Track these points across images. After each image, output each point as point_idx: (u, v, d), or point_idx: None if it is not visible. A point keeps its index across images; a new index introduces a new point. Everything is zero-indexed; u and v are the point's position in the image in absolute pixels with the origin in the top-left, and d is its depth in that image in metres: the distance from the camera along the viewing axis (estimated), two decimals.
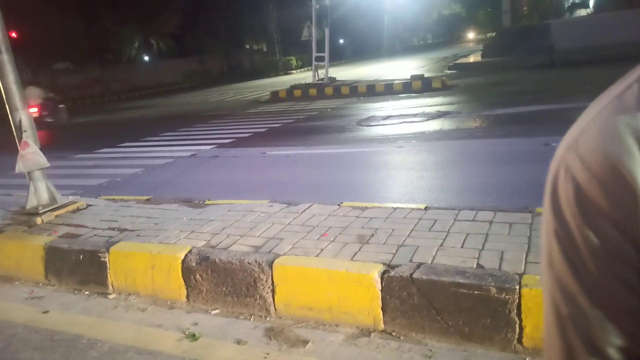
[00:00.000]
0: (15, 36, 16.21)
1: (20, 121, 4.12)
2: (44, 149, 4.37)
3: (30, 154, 4.10)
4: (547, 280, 0.59)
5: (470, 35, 55.55)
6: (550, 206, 0.57)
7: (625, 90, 0.54)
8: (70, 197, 4.60)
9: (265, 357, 2.48)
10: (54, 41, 22.82)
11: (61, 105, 15.96)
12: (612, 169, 0.52)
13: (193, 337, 2.72)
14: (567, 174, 0.55)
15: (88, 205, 4.46)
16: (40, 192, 4.22)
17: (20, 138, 4.13)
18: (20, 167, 4.12)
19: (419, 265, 2.59)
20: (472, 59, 23.06)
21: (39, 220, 4.05)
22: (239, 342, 2.64)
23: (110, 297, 3.28)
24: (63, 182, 6.22)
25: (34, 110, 12.53)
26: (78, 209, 4.34)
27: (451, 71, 19.39)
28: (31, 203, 4.18)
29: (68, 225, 3.98)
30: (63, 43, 23.46)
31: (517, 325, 2.29)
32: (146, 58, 33.61)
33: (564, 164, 0.56)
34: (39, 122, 10.12)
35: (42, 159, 4.18)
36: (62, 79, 26.16)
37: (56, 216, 4.17)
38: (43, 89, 15.56)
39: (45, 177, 4.33)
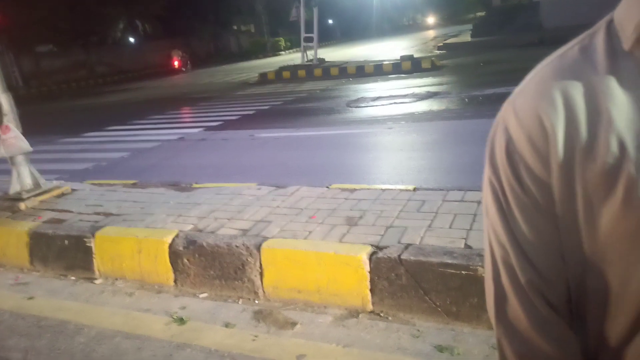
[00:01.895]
0: None
1: (0, 105, 4.02)
2: (30, 133, 4.27)
3: (12, 139, 4.01)
4: (485, 228, 0.64)
5: (431, 20, 54.10)
6: (488, 158, 0.61)
7: (566, 51, 0.57)
8: (54, 181, 4.53)
9: (254, 340, 2.48)
10: (37, 24, 22.26)
11: (188, 62, 28.01)
12: (539, 123, 0.55)
13: (181, 321, 2.70)
14: (503, 128, 0.59)
15: (73, 190, 4.40)
16: (24, 177, 4.14)
17: (0, 122, 4.04)
18: (1, 152, 4.03)
19: (407, 246, 2.58)
20: (461, 39, 22.94)
21: (22, 205, 3.99)
22: (227, 325, 2.63)
23: (97, 282, 3.25)
24: (48, 166, 6.13)
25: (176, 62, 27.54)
26: (63, 194, 4.27)
27: (441, 51, 19.30)
28: (14, 188, 4.10)
29: (52, 210, 3.92)
30: (46, 25, 22.90)
31: None
32: (132, 40, 32.98)
33: (502, 119, 0.60)
34: (178, 71, 26.05)
35: (24, 144, 4.09)
36: (46, 62, 25.62)
37: (40, 201, 4.11)
38: (180, 50, 28.28)
39: (29, 161, 4.25)
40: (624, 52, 0.51)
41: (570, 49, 0.56)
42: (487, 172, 0.62)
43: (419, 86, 10.76)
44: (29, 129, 4.38)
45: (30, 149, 4.16)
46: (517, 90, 0.59)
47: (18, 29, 20.23)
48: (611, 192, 0.50)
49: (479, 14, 25.59)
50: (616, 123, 0.50)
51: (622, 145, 0.49)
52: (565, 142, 0.53)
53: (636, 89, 0.50)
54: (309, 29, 17.55)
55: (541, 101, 0.55)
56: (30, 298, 3.13)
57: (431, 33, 33.89)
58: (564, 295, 0.59)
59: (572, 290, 0.58)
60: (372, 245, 2.66)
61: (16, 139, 4.04)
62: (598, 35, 0.55)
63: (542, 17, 18.42)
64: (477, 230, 2.71)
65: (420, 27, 46.31)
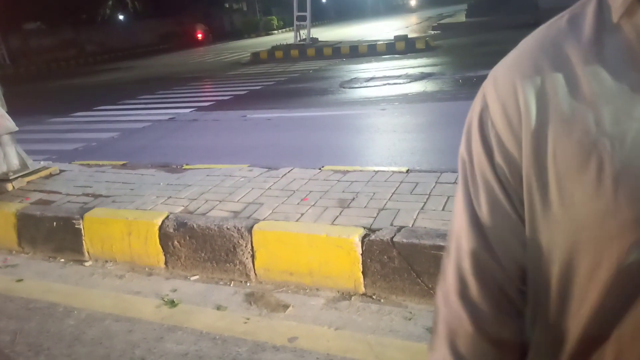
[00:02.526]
0: None
1: None
2: (18, 112, 4.18)
3: None
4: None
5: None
6: (465, 128, 0.59)
7: (555, 20, 0.54)
8: (42, 162, 4.45)
9: (246, 322, 2.47)
10: (24, 0, 21.76)
11: (210, 35, 30.46)
12: (514, 94, 0.52)
13: (172, 303, 2.68)
14: (482, 95, 0.57)
15: (61, 171, 4.33)
16: (10, 157, 4.06)
17: None
18: None
19: (399, 229, 2.56)
20: (455, 19, 22.72)
21: (9, 186, 3.92)
22: (218, 307, 2.61)
23: (87, 264, 3.22)
24: (37, 147, 6.04)
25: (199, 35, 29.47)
26: (51, 175, 4.21)
27: (435, 32, 19.12)
28: (1, 169, 4.02)
29: (40, 191, 3.86)
30: (34, 2, 22.39)
31: None
32: (121, 18, 32.37)
33: (484, 86, 0.57)
34: (201, 43, 28.79)
35: (10, 123, 4.00)
36: (34, 41, 25.12)
37: (28, 182, 4.04)
38: (203, 24, 30.62)
39: (15, 141, 4.16)
40: (612, 24, 0.49)
41: (559, 18, 0.54)
42: (462, 144, 0.60)
43: (413, 67, 10.68)
44: (17, 109, 4.30)
45: (16, 128, 4.08)
46: (503, 58, 0.57)
47: (4, 6, 19.76)
48: (584, 170, 0.47)
49: None
50: (594, 98, 0.48)
51: (598, 121, 0.47)
52: (537, 115, 0.50)
53: (619, 64, 0.47)
54: (302, 7, 17.28)
55: (518, 72, 0.53)
56: (19, 280, 3.09)
57: (426, 13, 33.54)
58: (514, 282, 0.57)
59: (531, 280, 0.56)
60: (364, 227, 2.64)
61: (2, 119, 3.96)
62: (590, 4, 0.52)
63: None
64: None
65: (415, 7, 45.76)
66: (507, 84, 0.54)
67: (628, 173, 0.45)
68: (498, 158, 0.54)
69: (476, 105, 0.57)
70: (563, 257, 0.51)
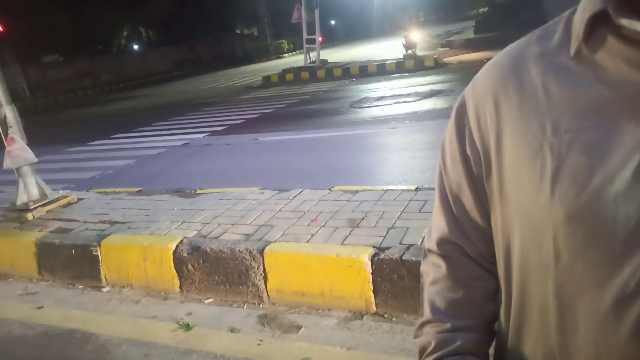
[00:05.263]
0: (1, 29, 15.96)
1: (5, 117, 4.07)
2: (37, 143, 4.32)
3: (17, 150, 4.06)
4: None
5: (433, 18, 51.85)
6: (449, 121, 0.67)
7: (532, 34, 0.61)
8: (60, 191, 4.58)
9: (259, 344, 2.50)
10: (41, 33, 22.47)
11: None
12: (485, 95, 0.60)
13: (187, 327, 2.73)
14: (462, 94, 0.65)
15: (79, 199, 4.44)
16: (30, 187, 4.19)
17: (6, 134, 4.09)
18: (8, 163, 4.08)
19: (408, 247, 2.59)
20: (464, 35, 22.83)
21: (30, 216, 4.04)
22: (232, 330, 2.65)
23: (104, 290, 3.29)
24: (56, 176, 6.20)
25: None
26: (69, 203, 4.32)
27: (444, 49, 19.22)
28: (21, 199, 4.15)
29: (59, 220, 3.96)
30: (50, 35, 23.11)
31: None
32: (136, 47, 33.16)
33: (467, 87, 0.65)
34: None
35: (29, 155, 4.14)
36: (51, 72, 25.85)
37: (47, 211, 4.15)
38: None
39: (35, 172, 4.30)
40: (569, 45, 0.55)
41: (533, 33, 0.61)
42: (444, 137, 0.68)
43: (423, 84, 10.75)
44: (35, 139, 4.44)
45: (35, 159, 4.21)
46: (486, 64, 0.65)
47: (23, 39, 20.43)
48: (532, 167, 0.54)
49: (482, 9, 25.45)
50: (543, 107, 0.55)
51: (543, 128, 0.54)
52: (501, 117, 0.58)
53: (567, 81, 0.54)
54: (311, 30, 17.58)
55: (490, 78, 0.61)
56: (39, 308, 3.17)
57: (435, 31, 33.76)
58: (477, 248, 0.68)
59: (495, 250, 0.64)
60: (374, 246, 2.67)
61: (21, 150, 4.09)
62: (560, 23, 0.58)
63: (545, 11, 18.28)
64: None
65: (423, 25, 46.15)
66: (481, 88, 0.61)
67: (562, 177, 0.52)
68: (468, 149, 0.63)
69: (457, 101, 0.65)
70: (507, 237, 0.60)
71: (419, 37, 19.07)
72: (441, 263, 0.70)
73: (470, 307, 0.68)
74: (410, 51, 15.84)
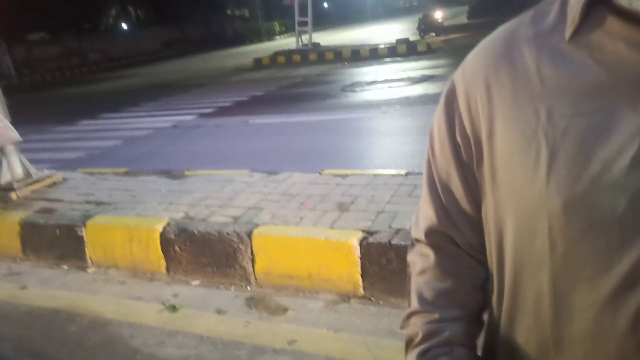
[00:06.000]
0: None
1: None
2: (23, 122, 4.23)
3: (1, 129, 3.97)
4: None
5: (427, 2, 51.36)
6: (438, 107, 0.64)
7: (524, 15, 0.58)
8: (45, 171, 4.50)
9: (246, 326, 2.49)
10: (28, 11, 21.98)
11: None
12: (475, 80, 0.57)
13: (173, 308, 2.71)
14: (452, 78, 0.62)
15: (64, 179, 4.37)
16: (14, 166, 4.11)
17: None
18: None
19: (397, 231, 2.58)
20: (457, 21, 22.73)
21: (13, 195, 3.97)
22: (219, 311, 2.63)
23: (89, 271, 3.25)
24: (41, 155, 6.09)
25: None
26: (54, 183, 4.25)
27: (437, 34, 19.12)
28: (5, 178, 4.07)
29: (44, 199, 3.90)
30: (38, 12, 22.62)
31: None
32: (125, 26, 32.61)
33: (455, 71, 0.63)
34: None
35: (13, 134, 4.05)
36: (38, 50, 25.35)
37: (32, 191, 4.09)
38: None
39: (19, 151, 4.22)
40: (564, 26, 0.52)
41: (526, 14, 0.57)
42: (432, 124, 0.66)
43: (415, 69, 10.70)
44: (21, 118, 4.34)
45: (20, 138, 4.13)
46: (475, 47, 0.62)
47: (9, 17, 19.97)
48: (526, 155, 0.52)
49: None
50: (537, 93, 0.52)
51: (537, 114, 0.51)
52: (492, 102, 0.55)
53: (562, 65, 0.51)
54: (303, 12, 17.36)
55: (481, 62, 0.58)
56: (23, 288, 3.13)
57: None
58: (466, 237, 0.65)
59: (491, 250, 0.62)
60: (363, 230, 2.66)
61: (5, 129, 4.00)
62: (555, 3, 0.55)
63: None
64: None
65: (417, 10, 45.82)
66: (472, 72, 0.58)
67: (558, 165, 0.49)
68: (457, 136, 0.60)
69: (446, 86, 0.62)
70: (499, 227, 0.58)
71: (442, 15, 18.55)
72: (429, 253, 0.68)
73: (458, 297, 0.66)
74: (432, 34, 15.44)
